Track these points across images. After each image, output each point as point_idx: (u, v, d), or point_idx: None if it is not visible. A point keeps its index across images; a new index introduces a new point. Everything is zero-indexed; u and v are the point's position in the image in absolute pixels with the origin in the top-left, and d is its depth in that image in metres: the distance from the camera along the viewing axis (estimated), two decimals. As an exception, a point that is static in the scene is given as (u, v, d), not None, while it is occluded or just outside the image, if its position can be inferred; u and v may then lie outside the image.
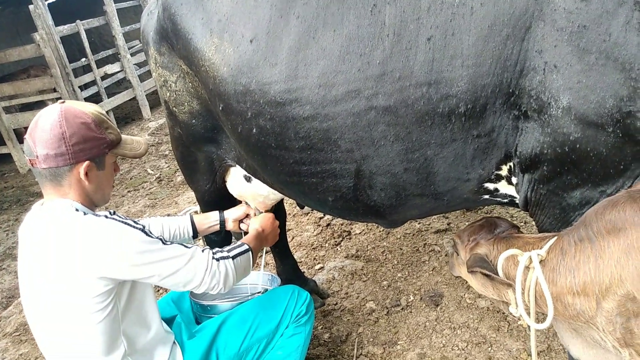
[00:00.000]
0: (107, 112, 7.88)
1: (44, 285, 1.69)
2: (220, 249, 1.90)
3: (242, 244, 1.99)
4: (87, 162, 1.69)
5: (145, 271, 1.68)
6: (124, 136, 1.86)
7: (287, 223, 4.22)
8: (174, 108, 2.32)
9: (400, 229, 3.83)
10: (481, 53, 1.49)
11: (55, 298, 1.68)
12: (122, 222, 1.70)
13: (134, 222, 1.73)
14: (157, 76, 2.37)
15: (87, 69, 8.03)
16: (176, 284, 1.76)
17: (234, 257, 1.88)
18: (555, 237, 1.50)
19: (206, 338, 2.07)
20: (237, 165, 2.35)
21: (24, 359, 3.23)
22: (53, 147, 1.63)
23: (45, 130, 1.64)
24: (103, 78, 8.07)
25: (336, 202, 1.96)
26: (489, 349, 2.57)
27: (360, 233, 3.92)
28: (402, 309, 2.98)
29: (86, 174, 1.70)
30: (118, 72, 8.42)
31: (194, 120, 2.26)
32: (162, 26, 2.16)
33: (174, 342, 2.01)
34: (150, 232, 1.73)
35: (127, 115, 9.19)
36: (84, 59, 7.80)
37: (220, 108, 1.98)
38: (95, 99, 7.73)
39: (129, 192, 5.80)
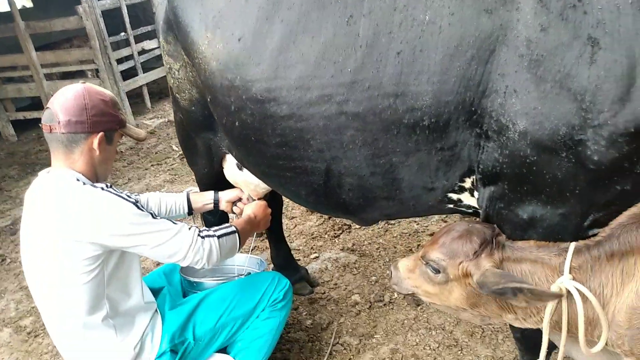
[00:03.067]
0: (141, 86, 8.18)
1: (40, 246, 1.89)
2: (207, 228, 2.04)
3: (230, 226, 2.12)
4: (101, 134, 1.91)
5: (132, 241, 1.85)
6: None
7: (293, 211, 4.34)
8: (176, 94, 2.47)
9: (398, 228, 3.90)
10: (446, 71, 1.54)
11: (49, 258, 1.87)
12: (116, 194, 1.88)
13: (128, 195, 1.92)
14: (165, 63, 2.51)
15: (128, 43, 8.29)
16: (161, 255, 1.92)
17: (219, 237, 2.02)
18: (571, 250, 1.49)
19: (186, 310, 2.23)
20: (229, 153, 2.48)
21: (35, 311, 3.50)
22: (75, 114, 1.85)
23: (69, 99, 1.87)
24: (140, 53, 8.32)
25: (308, 196, 2.07)
26: (459, 352, 2.63)
27: (360, 228, 3.99)
28: (384, 304, 3.07)
29: (98, 144, 1.91)
30: (155, 48, 8.66)
31: (193, 108, 2.40)
32: (167, 17, 2.29)
33: (156, 311, 2.18)
34: (142, 207, 1.90)
35: (162, 90, 9.47)
36: (122, 33, 8.06)
37: (209, 99, 2.11)
38: (132, 72, 8.03)
39: (152, 165, 6.05)
